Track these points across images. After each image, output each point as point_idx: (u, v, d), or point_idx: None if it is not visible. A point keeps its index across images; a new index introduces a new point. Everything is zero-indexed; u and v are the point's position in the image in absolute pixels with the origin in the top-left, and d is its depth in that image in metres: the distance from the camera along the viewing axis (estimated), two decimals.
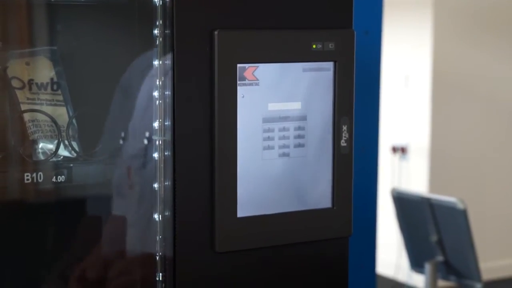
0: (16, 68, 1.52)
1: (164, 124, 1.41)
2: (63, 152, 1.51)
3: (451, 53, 6.16)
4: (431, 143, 6.03)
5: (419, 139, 6.11)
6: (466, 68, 6.23)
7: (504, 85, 6.41)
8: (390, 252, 6.06)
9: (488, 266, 5.98)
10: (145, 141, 1.48)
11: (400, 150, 6.22)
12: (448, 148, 6.03)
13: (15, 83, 1.51)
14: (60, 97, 1.55)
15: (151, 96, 1.45)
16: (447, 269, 4.16)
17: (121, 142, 1.54)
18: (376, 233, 2.39)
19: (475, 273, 4.04)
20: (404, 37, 6.23)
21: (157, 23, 1.41)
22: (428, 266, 4.14)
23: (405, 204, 4.31)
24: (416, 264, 4.33)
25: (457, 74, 6.20)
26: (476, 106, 6.28)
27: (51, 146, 1.50)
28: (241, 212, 1.44)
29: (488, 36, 6.29)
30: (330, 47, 1.48)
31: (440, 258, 4.14)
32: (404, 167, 6.25)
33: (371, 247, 2.35)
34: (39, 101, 1.53)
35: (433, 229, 4.13)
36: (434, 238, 4.14)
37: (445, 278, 4.23)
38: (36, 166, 1.47)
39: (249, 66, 1.42)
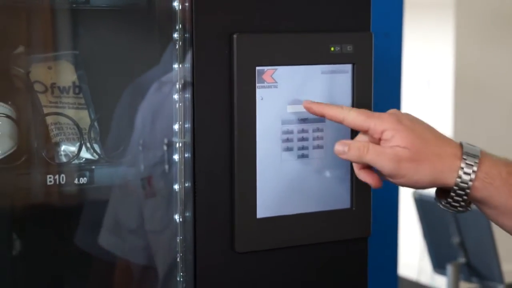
0: (38, 72, 1.54)
1: (184, 127, 1.43)
2: (85, 154, 1.53)
3: (474, 55, 6.13)
4: None
5: None
6: (488, 69, 6.20)
7: None
8: (412, 254, 6.04)
9: (511, 268, 5.94)
10: (165, 147, 1.50)
11: None
12: None
13: (37, 87, 1.53)
14: (82, 100, 1.57)
15: (166, 103, 1.46)
16: (469, 270, 4.15)
17: (140, 148, 1.55)
18: (397, 235, 2.38)
19: (498, 275, 4.03)
20: (426, 39, 6.21)
21: (177, 27, 1.42)
22: (450, 268, 4.13)
23: (427, 206, 4.30)
24: (438, 265, 4.32)
25: (480, 76, 6.17)
26: (499, 108, 6.25)
27: (73, 149, 1.52)
28: (260, 213, 1.45)
29: (510, 37, 6.26)
30: (348, 49, 1.49)
31: (462, 259, 4.12)
32: None
33: (392, 249, 2.35)
34: (61, 105, 1.55)
35: (455, 231, 4.12)
36: (456, 239, 4.13)
37: (467, 279, 4.22)
38: (58, 168, 1.49)
39: (267, 69, 1.43)
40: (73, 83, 1.56)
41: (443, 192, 1.36)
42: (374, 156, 1.34)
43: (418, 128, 1.35)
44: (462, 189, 1.31)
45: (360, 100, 1.51)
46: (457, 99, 6.05)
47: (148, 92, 1.53)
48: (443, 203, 1.36)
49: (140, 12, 1.58)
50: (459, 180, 1.31)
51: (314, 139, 1.48)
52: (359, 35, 1.51)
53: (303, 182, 1.48)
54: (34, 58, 1.54)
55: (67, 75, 1.56)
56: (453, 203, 1.34)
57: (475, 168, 1.30)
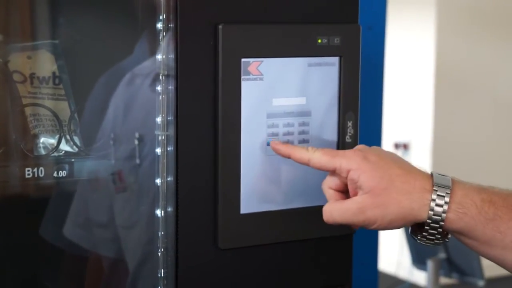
0: (17, 62, 1.51)
1: (167, 119, 1.40)
2: (64, 147, 1.50)
3: (454, 50, 6.15)
4: (433, 139, 6.02)
5: (421, 135, 6.11)
6: (469, 64, 6.22)
7: (507, 82, 6.40)
8: (391, 249, 6.05)
9: (491, 263, 5.97)
10: (136, 142, 1.47)
11: (402, 147, 6.21)
12: (450, 145, 6.02)
13: (16, 77, 1.50)
14: (62, 91, 1.53)
15: (139, 96, 1.44)
16: (449, 266, 4.15)
17: (111, 143, 1.52)
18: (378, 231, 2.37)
19: (478, 270, 4.03)
20: (407, 33, 6.22)
21: (161, 16, 1.39)
22: (430, 263, 4.13)
23: None
24: (419, 261, 4.33)
25: (460, 71, 6.19)
26: (479, 103, 6.28)
27: (52, 141, 1.49)
28: (244, 209, 1.42)
29: (491, 33, 6.28)
30: (335, 41, 1.46)
31: (442, 255, 4.13)
32: None
33: (373, 244, 2.34)
34: (40, 95, 1.51)
35: None
36: None
37: (447, 275, 4.22)
38: (37, 161, 1.46)
39: (253, 61, 1.40)
40: (53, 73, 1.53)
41: (418, 226, 1.33)
42: (340, 216, 1.32)
43: (385, 165, 1.31)
44: (436, 221, 1.27)
45: (347, 93, 1.49)
46: (437, 94, 6.07)
47: (120, 84, 1.51)
48: (418, 237, 1.33)
49: (122, 1, 1.54)
50: (431, 213, 1.27)
51: (299, 133, 1.46)
52: (346, 27, 1.48)
53: (288, 177, 1.46)
54: (13, 47, 1.51)
55: (47, 65, 1.53)
56: (429, 237, 1.31)
57: (447, 199, 1.26)
